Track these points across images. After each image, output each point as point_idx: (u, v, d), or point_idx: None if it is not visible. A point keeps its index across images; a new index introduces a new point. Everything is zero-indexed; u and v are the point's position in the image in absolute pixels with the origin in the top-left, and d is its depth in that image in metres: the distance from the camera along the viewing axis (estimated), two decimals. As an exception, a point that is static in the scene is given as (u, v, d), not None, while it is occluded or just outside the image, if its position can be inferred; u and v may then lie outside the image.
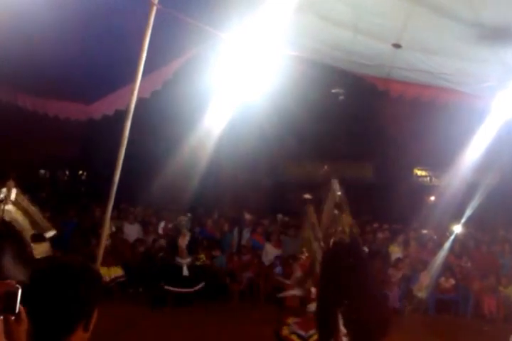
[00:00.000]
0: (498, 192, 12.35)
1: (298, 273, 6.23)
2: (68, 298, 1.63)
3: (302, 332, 5.84)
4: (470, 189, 11.92)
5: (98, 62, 5.59)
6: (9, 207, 4.58)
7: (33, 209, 4.80)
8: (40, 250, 4.72)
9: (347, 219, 5.25)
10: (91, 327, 1.71)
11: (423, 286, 9.90)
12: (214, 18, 5.32)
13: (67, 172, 18.15)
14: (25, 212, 4.72)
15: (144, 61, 4.69)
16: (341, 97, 12.71)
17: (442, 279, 9.97)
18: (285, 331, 5.98)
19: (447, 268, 10.12)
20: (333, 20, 5.46)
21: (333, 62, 7.09)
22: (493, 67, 5.77)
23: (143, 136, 8.76)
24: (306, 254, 5.98)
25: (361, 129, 14.39)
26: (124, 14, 5.08)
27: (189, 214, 11.54)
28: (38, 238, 4.78)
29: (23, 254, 4.14)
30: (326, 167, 7.99)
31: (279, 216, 13.13)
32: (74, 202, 12.99)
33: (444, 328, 8.55)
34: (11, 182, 4.73)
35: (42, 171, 17.32)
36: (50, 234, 4.89)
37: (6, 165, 11.75)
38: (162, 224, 11.28)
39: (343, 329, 3.02)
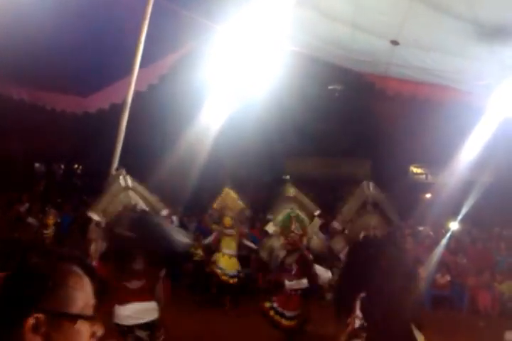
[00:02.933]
0: (493, 189, 12.39)
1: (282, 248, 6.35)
2: None
3: (280, 309, 6.25)
4: (466, 186, 11.96)
5: (94, 55, 5.57)
6: (130, 192, 5.09)
7: (146, 192, 5.25)
8: None
9: (376, 219, 5.79)
10: None
11: (419, 282, 9.95)
12: (212, 11, 5.31)
13: (62, 166, 18.21)
14: (141, 196, 5.16)
15: (140, 54, 4.69)
16: (337, 94, 12.75)
17: (438, 275, 10.02)
18: (267, 304, 6.38)
19: (443, 265, 10.17)
20: (332, 15, 5.46)
21: (331, 58, 7.09)
22: (489, 65, 5.78)
23: (139, 130, 8.72)
24: (299, 231, 6.15)
25: (359, 126, 14.40)
26: (120, 7, 5.07)
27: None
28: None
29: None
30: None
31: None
32: (69, 195, 13.02)
33: (439, 324, 8.59)
34: (121, 171, 5.19)
35: (37, 165, 17.36)
36: (164, 212, 5.34)
37: (2, 158, 11.78)
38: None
39: (358, 314, 3.18)
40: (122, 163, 5.28)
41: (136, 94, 4.98)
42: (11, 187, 10.93)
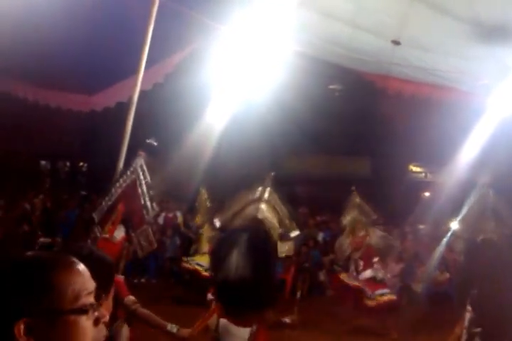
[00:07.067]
0: (492, 188, 12.43)
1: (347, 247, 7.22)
2: None
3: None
4: (464, 185, 12.02)
5: (100, 54, 5.65)
6: (262, 205, 4.67)
7: (282, 208, 4.86)
8: (284, 249, 4.83)
9: (494, 223, 6.37)
10: None
11: (419, 280, 10.06)
12: (216, 11, 5.39)
13: (67, 164, 18.34)
14: (275, 211, 4.78)
15: (146, 53, 4.76)
16: (337, 94, 12.82)
17: (437, 273, 10.11)
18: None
19: (442, 262, 10.24)
20: (334, 15, 5.53)
21: (333, 58, 7.16)
22: (489, 66, 5.86)
23: (144, 128, 8.76)
24: (363, 233, 7.06)
25: (359, 125, 14.46)
26: (126, 7, 5.15)
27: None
28: (285, 237, 4.86)
29: (274, 251, 4.15)
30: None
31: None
32: (74, 192, 13.15)
33: (438, 320, 8.67)
34: (268, 181, 4.86)
35: (43, 162, 17.52)
36: (295, 233, 4.90)
37: (8, 155, 11.86)
38: (163, 215, 11.33)
39: (468, 307, 3.67)
40: (127, 160, 5.26)
41: (142, 92, 5.04)
42: (16, 184, 11.04)
